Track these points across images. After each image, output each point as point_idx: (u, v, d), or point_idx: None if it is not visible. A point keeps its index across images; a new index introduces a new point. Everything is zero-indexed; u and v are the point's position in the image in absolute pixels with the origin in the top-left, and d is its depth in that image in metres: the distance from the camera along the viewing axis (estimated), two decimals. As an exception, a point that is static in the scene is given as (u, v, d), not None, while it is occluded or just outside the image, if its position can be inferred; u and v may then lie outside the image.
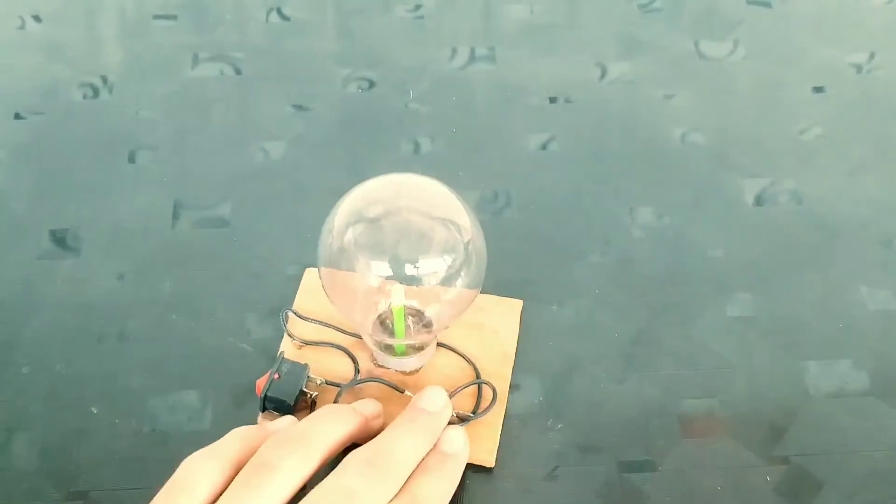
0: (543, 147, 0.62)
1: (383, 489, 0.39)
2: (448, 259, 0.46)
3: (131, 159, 0.61)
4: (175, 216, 0.58)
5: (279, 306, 0.53)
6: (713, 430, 0.49)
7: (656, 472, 0.47)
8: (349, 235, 0.46)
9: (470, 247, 0.46)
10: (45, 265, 0.56)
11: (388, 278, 0.46)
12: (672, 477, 0.47)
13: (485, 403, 0.49)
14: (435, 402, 0.44)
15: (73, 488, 0.47)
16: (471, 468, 0.47)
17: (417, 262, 0.46)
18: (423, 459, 0.42)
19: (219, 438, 0.41)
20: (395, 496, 0.40)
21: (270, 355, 0.51)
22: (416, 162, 0.61)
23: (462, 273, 0.46)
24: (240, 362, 0.51)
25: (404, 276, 0.46)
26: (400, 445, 0.41)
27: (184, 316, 0.54)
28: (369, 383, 0.49)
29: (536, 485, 0.47)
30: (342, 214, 0.46)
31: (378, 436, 0.42)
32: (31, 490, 0.47)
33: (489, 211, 0.58)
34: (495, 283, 0.51)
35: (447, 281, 0.46)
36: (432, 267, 0.46)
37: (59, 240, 0.57)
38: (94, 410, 0.50)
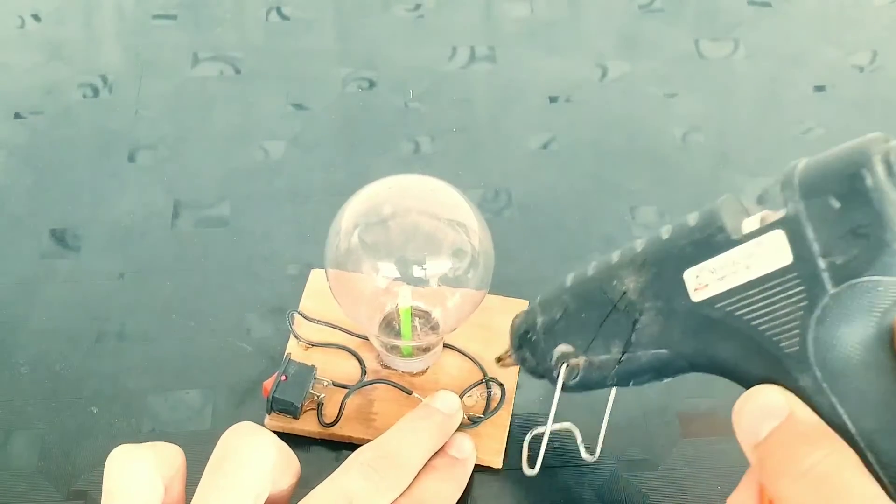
0: (544, 146, 0.62)
1: (386, 494, 0.38)
2: (455, 260, 0.46)
3: (131, 159, 0.61)
4: (175, 215, 0.58)
5: (279, 305, 0.53)
6: (713, 429, 0.49)
7: (656, 472, 0.47)
8: (356, 237, 0.46)
9: (477, 248, 0.46)
10: (45, 264, 0.56)
11: (395, 280, 0.46)
12: (672, 477, 0.47)
13: (493, 403, 0.49)
14: (449, 404, 0.44)
15: (72, 488, 0.47)
16: (478, 469, 0.47)
17: (424, 263, 0.45)
18: (430, 460, 0.42)
19: (219, 438, 0.40)
20: (400, 496, 0.39)
21: (270, 354, 0.51)
22: (416, 162, 0.61)
23: (469, 274, 0.46)
24: (240, 361, 0.51)
25: (411, 277, 0.46)
26: (409, 446, 0.41)
27: (184, 315, 0.53)
28: (377, 385, 0.49)
29: (539, 484, 0.47)
30: (349, 216, 0.46)
31: (387, 432, 0.41)
32: (30, 490, 0.47)
33: (490, 210, 0.58)
34: (495, 282, 0.51)
35: (454, 282, 0.46)
36: (439, 268, 0.46)
37: (59, 239, 0.57)
38: (94, 410, 0.50)
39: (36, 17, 0.71)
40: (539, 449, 0.44)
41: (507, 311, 0.52)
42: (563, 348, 0.41)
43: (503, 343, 0.48)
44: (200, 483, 0.36)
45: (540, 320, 0.42)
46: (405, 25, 0.70)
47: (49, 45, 0.69)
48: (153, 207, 0.59)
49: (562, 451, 0.48)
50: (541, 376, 0.44)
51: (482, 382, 0.49)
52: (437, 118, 0.64)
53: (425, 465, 0.41)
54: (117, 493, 0.35)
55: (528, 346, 0.43)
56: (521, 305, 0.52)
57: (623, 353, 0.39)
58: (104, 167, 0.61)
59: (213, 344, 0.52)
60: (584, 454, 0.45)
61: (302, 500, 0.37)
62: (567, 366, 0.41)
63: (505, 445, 0.48)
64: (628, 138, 0.63)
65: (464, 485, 0.43)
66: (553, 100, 0.65)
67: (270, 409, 0.47)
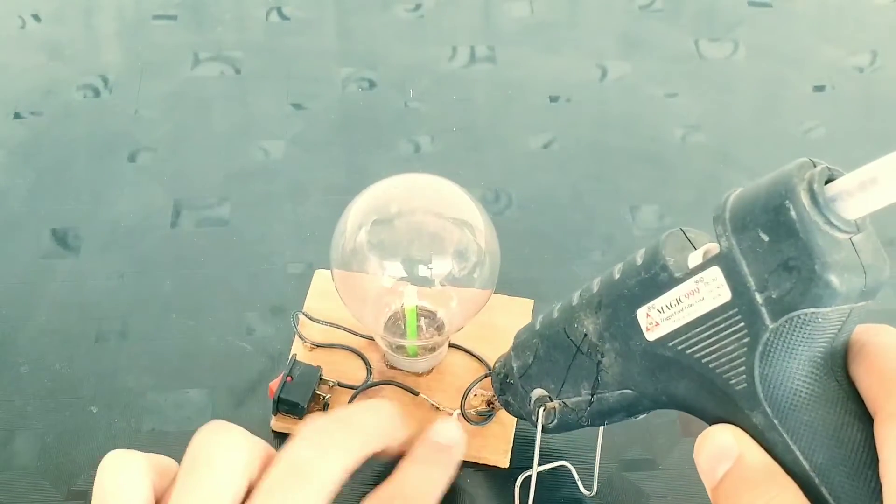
0: (544, 146, 0.62)
1: None
2: (461, 260, 0.46)
3: (131, 159, 0.61)
4: (175, 215, 0.58)
5: (279, 305, 0.53)
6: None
7: (657, 471, 0.47)
8: (362, 236, 0.45)
9: (483, 248, 0.46)
10: (46, 264, 0.56)
11: (400, 279, 0.46)
12: (672, 476, 0.47)
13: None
14: (452, 435, 0.43)
15: (72, 487, 0.47)
16: (485, 468, 0.47)
17: (430, 263, 0.45)
18: (413, 449, 0.41)
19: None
20: (381, 486, 0.38)
21: (271, 354, 0.51)
22: (415, 161, 0.61)
23: (475, 274, 0.46)
24: (240, 361, 0.51)
25: (417, 276, 0.45)
26: (421, 492, 0.40)
27: (184, 315, 0.53)
28: (383, 385, 0.49)
29: (545, 482, 0.46)
30: (355, 215, 0.46)
31: (397, 477, 0.41)
32: (30, 489, 0.47)
33: (490, 210, 0.58)
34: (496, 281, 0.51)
35: (460, 282, 0.46)
36: (445, 268, 0.46)
37: (60, 239, 0.57)
38: (94, 410, 0.49)
39: (36, 17, 0.71)
40: (530, 490, 0.43)
41: (512, 309, 0.52)
42: (539, 392, 0.41)
43: (508, 342, 0.48)
44: (175, 487, 0.36)
45: (515, 365, 0.42)
46: (405, 25, 0.70)
47: (49, 45, 0.69)
48: (153, 207, 0.59)
49: (563, 449, 0.48)
50: (525, 419, 0.44)
51: (484, 378, 0.49)
52: (437, 118, 0.64)
53: (407, 454, 0.41)
54: (107, 499, 0.35)
55: (508, 390, 0.43)
56: (526, 304, 0.52)
57: (592, 395, 0.39)
58: (104, 167, 0.61)
59: (213, 343, 0.52)
60: (581, 489, 0.45)
61: None
62: (544, 409, 0.41)
63: (511, 445, 0.47)
64: (628, 138, 0.63)
65: (450, 472, 0.42)
66: (553, 100, 0.65)
67: (276, 410, 0.47)
